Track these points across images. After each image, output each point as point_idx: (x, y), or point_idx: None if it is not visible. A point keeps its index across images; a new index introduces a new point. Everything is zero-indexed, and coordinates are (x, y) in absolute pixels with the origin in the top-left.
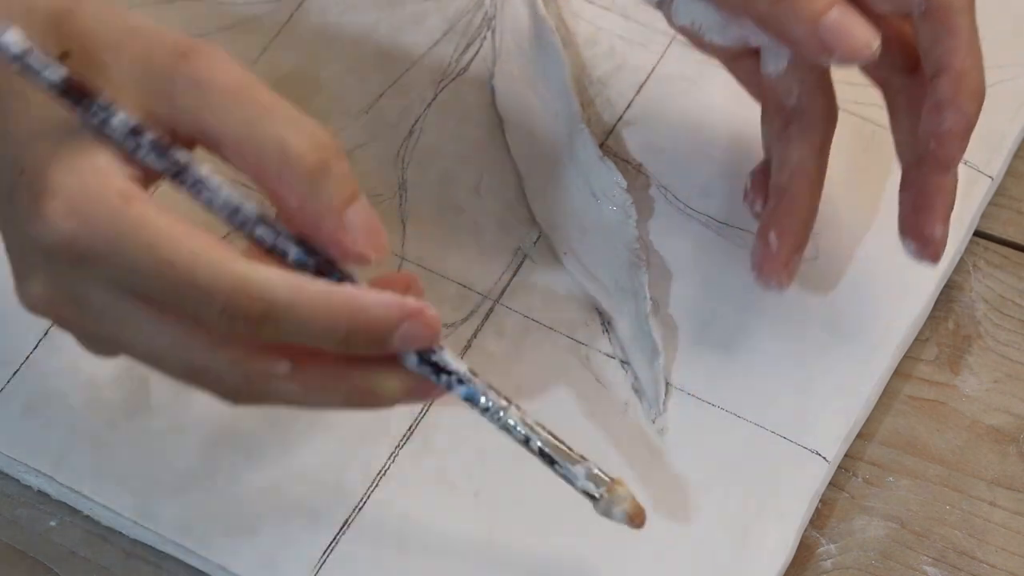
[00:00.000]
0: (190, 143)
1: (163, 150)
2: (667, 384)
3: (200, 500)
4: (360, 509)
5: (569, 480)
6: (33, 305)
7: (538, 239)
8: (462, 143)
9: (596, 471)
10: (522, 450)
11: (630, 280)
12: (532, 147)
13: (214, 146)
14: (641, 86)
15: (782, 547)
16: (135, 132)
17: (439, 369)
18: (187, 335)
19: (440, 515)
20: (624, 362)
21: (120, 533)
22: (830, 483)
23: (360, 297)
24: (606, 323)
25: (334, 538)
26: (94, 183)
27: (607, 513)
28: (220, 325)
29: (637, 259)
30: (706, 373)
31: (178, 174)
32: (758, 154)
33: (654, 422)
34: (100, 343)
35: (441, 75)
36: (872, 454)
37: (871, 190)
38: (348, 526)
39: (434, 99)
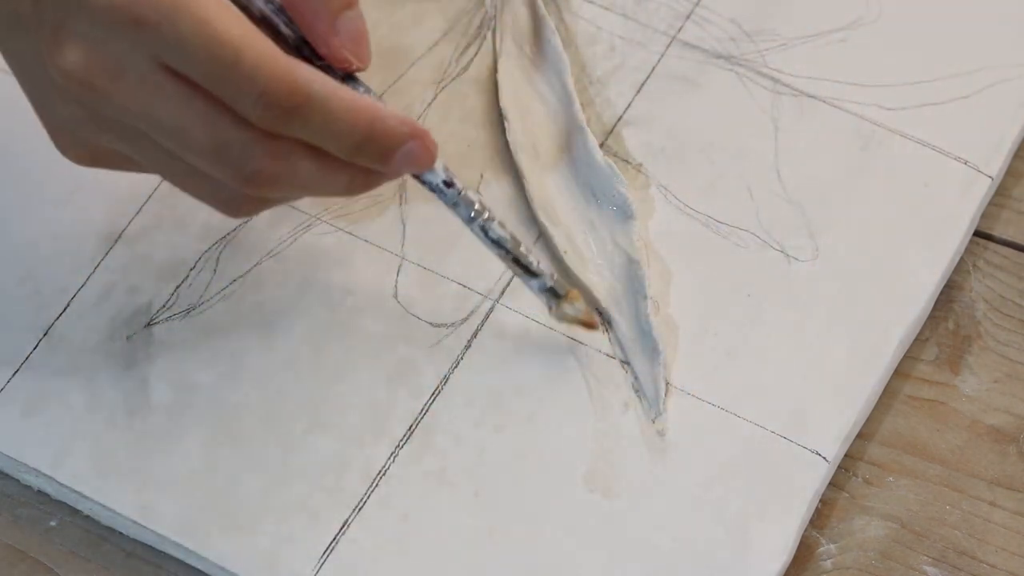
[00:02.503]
0: None
1: None
2: (667, 384)
3: (200, 500)
4: (360, 509)
5: (530, 288)
6: (67, 72)
7: (538, 239)
8: (462, 143)
9: (551, 284)
10: (522, 450)
11: (630, 280)
12: (532, 147)
13: None
14: (641, 86)
15: (782, 547)
16: None
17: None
18: (217, 111)
19: (440, 515)
20: (624, 362)
21: (120, 533)
22: (830, 483)
23: (381, 108)
24: (606, 323)
25: (334, 538)
26: None
27: (561, 317)
28: (253, 111)
29: (637, 259)
30: (706, 373)
31: None
32: (758, 154)
33: (654, 422)
34: (118, 129)
35: (441, 75)
36: (872, 454)
37: (871, 190)
38: (348, 526)
39: (434, 99)
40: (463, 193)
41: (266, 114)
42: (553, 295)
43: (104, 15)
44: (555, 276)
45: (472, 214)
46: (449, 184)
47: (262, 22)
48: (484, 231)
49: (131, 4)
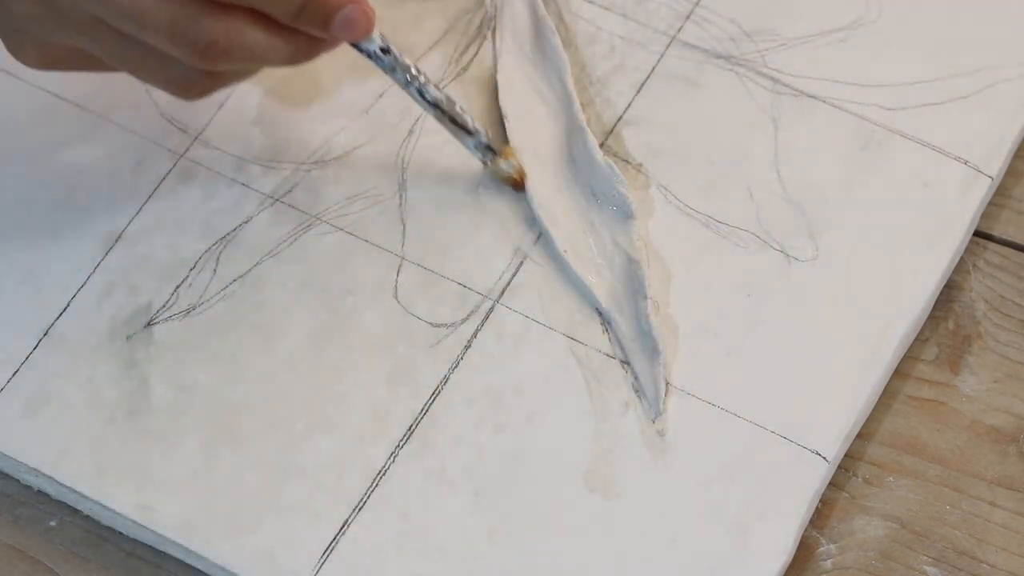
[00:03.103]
0: None
1: None
2: (667, 384)
3: (200, 500)
4: (360, 509)
5: (465, 146)
6: None
7: (538, 239)
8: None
9: (487, 142)
10: (522, 450)
11: (630, 280)
12: (532, 147)
13: None
14: (641, 86)
15: (782, 547)
16: None
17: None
18: None
19: (440, 515)
20: (624, 362)
21: (120, 533)
22: (830, 483)
23: None
24: (606, 323)
25: (334, 538)
26: None
27: (496, 172)
28: None
29: (637, 259)
30: (706, 373)
31: None
32: (758, 154)
33: (654, 422)
34: (75, 20)
35: (441, 75)
36: (872, 454)
37: (871, 190)
38: (348, 526)
39: None
40: (399, 58)
41: None
42: (489, 151)
43: None
44: (490, 133)
45: (408, 77)
46: (385, 51)
47: None
48: (421, 93)
49: None
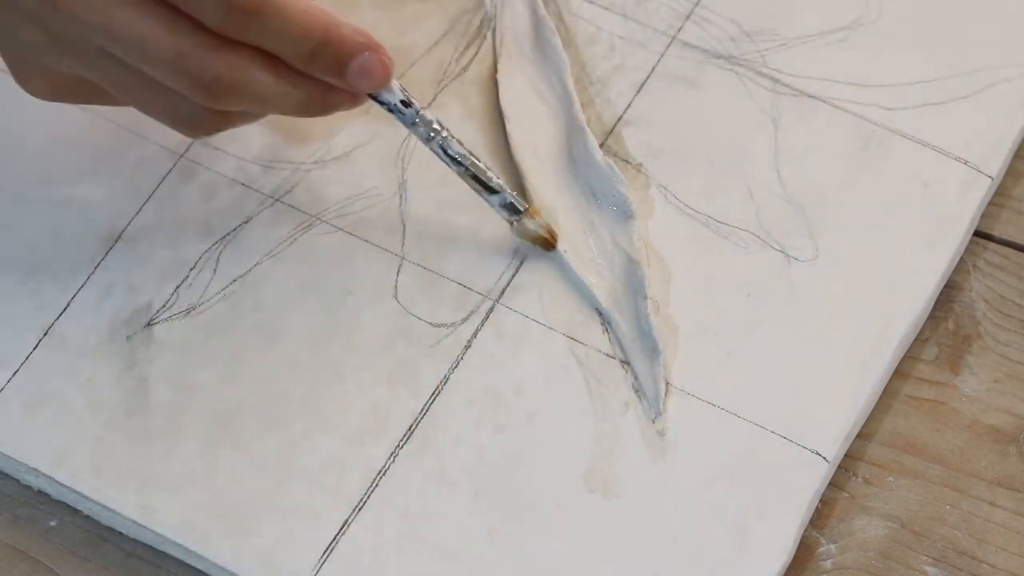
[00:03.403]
0: None
1: None
2: (667, 384)
3: (200, 500)
4: (360, 509)
5: (490, 204)
6: None
7: None
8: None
9: (510, 200)
10: (522, 450)
11: (630, 280)
12: (532, 147)
13: None
14: (641, 86)
15: (782, 547)
16: None
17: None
18: (176, 20)
19: (440, 515)
20: (624, 362)
21: (120, 533)
22: (830, 483)
23: (336, 17)
24: (606, 323)
25: (334, 538)
26: None
27: (523, 233)
28: (215, 15)
29: (637, 259)
30: (706, 373)
31: None
32: (758, 154)
33: (654, 422)
34: (80, 50)
35: (441, 75)
36: (872, 454)
37: (871, 190)
38: (348, 526)
39: (434, 99)
40: (421, 112)
41: (227, 18)
42: (513, 210)
43: None
44: (515, 192)
45: (431, 133)
46: (407, 104)
47: None
48: (443, 149)
49: None
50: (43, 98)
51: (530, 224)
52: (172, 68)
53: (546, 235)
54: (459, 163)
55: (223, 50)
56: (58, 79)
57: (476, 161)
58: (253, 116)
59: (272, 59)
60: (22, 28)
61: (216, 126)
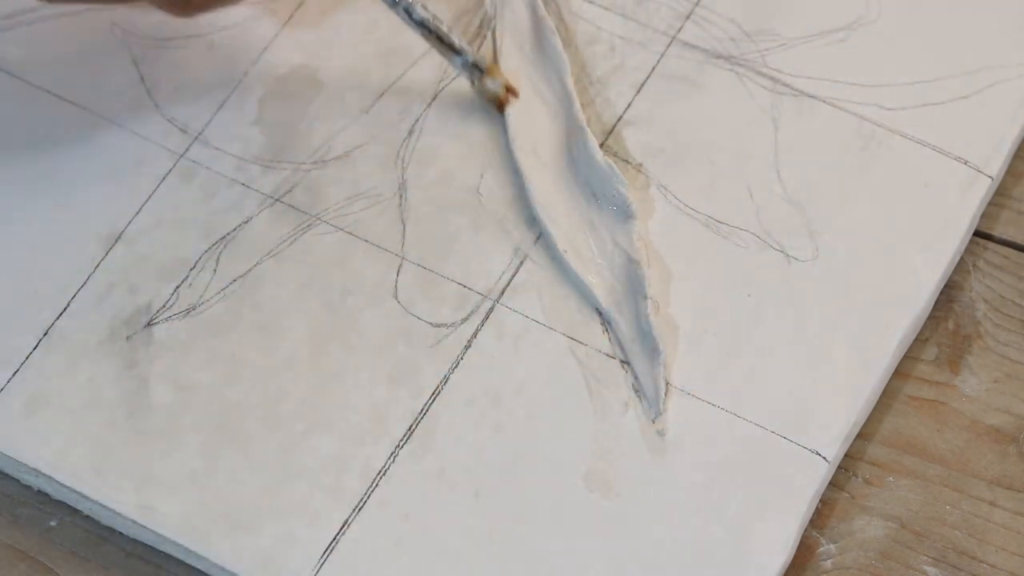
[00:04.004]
0: None
1: None
2: (667, 384)
3: (200, 500)
4: (360, 509)
5: (453, 65)
6: None
7: (538, 239)
8: (462, 143)
9: (472, 60)
10: (522, 450)
11: (630, 280)
12: (532, 147)
13: None
14: (641, 86)
15: (782, 547)
16: None
17: None
18: None
19: (440, 515)
20: (624, 362)
21: (120, 533)
22: (830, 483)
23: None
24: (606, 323)
25: (334, 538)
26: None
27: (483, 92)
28: None
29: (637, 259)
30: (706, 373)
31: None
32: (758, 154)
33: (654, 422)
34: None
35: (441, 75)
36: (872, 454)
37: (871, 190)
38: (348, 526)
39: (434, 99)
40: None
41: None
42: (476, 70)
43: None
44: (477, 51)
45: None
46: None
47: None
48: (408, 12)
49: None
50: (194, 10)
51: (491, 84)
52: None
53: (503, 94)
54: (423, 26)
55: None
56: None
57: (440, 24)
58: None
59: None
60: None
61: (206, 2)
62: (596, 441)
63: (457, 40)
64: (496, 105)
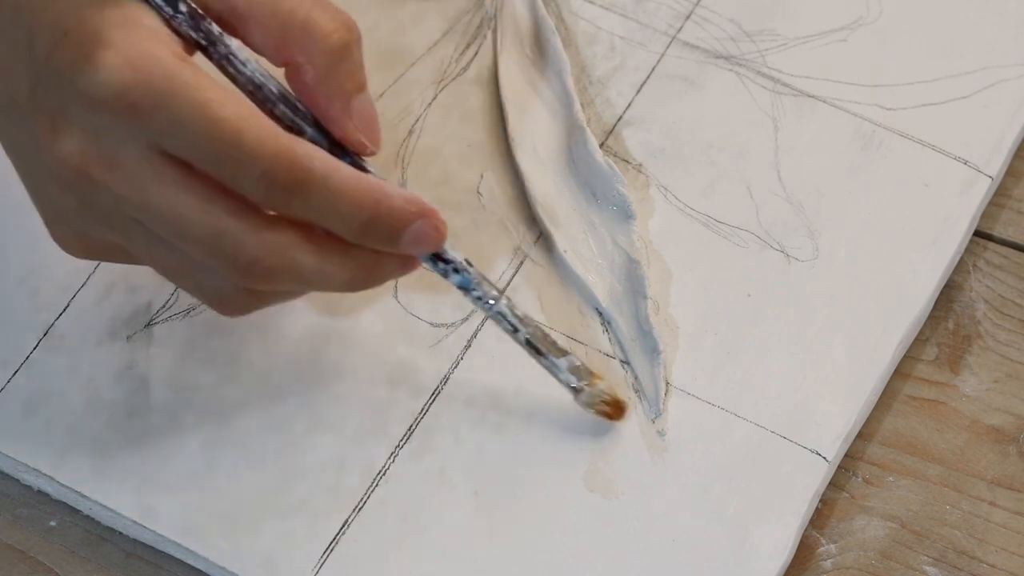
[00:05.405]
0: (217, 20)
1: (199, 20)
2: (667, 384)
3: (200, 500)
4: (360, 509)
5: (553, 372)
6: (63, 161)
7: (538, 239)
8: (462, 143)
9: (579, 363)
10: (522, 450)
11: (630, 280)
12: (532, 146)
13: (240, 21)
14: (641, 86)
15: (782, 547)
16: (173, 0)
17: (439, 258)
18: (214, 198)
19: (440, 515)
20: (624, 362)
21: (120, 533)
22: (830, 483)
23: (386, 187)
24: (606, 323)
25: (334, 538)
26: (148, 42)
27: (588, 404)
28: (256, 190)
29: (637, 259)
30: (706, 373)
31: (210, 44)
32: (758, 154)
33: (654, 422)
34: (113, 219)
35: (441, 75)
36: (872, 454)
37: (871, 190)
38: (348, 526)
39: (434, 99)
40: (478, 275)
41: (269, 192)
42: (584, 373)
43: (99, 103)
44: (579, 359)
45: (491, 300)
46: (470, 264)
47: (264, 102)
48: (506, 313)
49: (126, 91)
50: (80, 257)
51: (602, 386)
52: (207, 247)
53: (614, 401)
54: (523, 326)
55: (262, 230)
56: (92, 241)
57: (540, 325)
58: (294, 294)
59: (316, 234)
60: (58, 192)
61: (252, 305)
62: (596, 441)
63: (559, 342)
64: (606, 416)
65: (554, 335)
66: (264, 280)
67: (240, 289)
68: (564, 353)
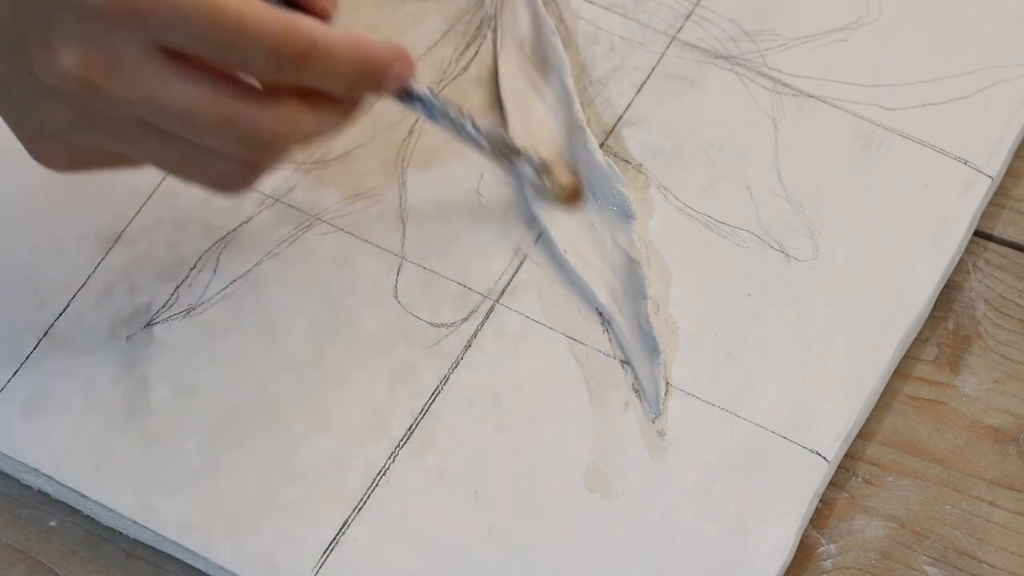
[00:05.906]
0: None
1: None
2: (667, 384)
3: (200, 500)
4: (360, 509)
5: (523, 177)
6: (63, 74)
7: (538, 239)
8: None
9: (538, 160)
10: (522, 450)
11: (630, 280)
12: (532, 147)
13: None
14: (641, 86)
15: (782, 547)
16: None
17: (408, 95)
18: (219, 85)
19: (440, 515)
20: (624, 362)
21: (120, 533)
22: (830, 483)
23: (366, 39)
24: (606, 323)
25: (334, 538)
26: None
27: (556, 197)
28: (267, 68)
29: (637, 259)
30: (706, 373)
31: None
32: (758, 154)
33: (654, 422)
34: (115, 124)
35: (441, 75)
36: (872, 454)
37: (871, 190)
38: (348, 526)
39: None
40: (443, 100)
41: (279, 67)
42: (545, 169)
43: (95, 10)
44: (536, 156)
45: (457, 115)
46: (433, 94)
47: None
48: (476, 128)
49: None
50: (61, 171)
51: (563, 179)
52: (221, 133)
53: (572, 187)
54: (489, 142)
55: (270, 105)
56: (82, 153)
57: (500, 132)
58: (288, 158)
59: (310, 95)
60: (47, 108)
61: (254, 178)
62: (596, 441)
63: (520, 145)
64: (564, 199)
65: (508, 138)
66: (279, 151)
67: (242, 167)
68: (522, 152)
